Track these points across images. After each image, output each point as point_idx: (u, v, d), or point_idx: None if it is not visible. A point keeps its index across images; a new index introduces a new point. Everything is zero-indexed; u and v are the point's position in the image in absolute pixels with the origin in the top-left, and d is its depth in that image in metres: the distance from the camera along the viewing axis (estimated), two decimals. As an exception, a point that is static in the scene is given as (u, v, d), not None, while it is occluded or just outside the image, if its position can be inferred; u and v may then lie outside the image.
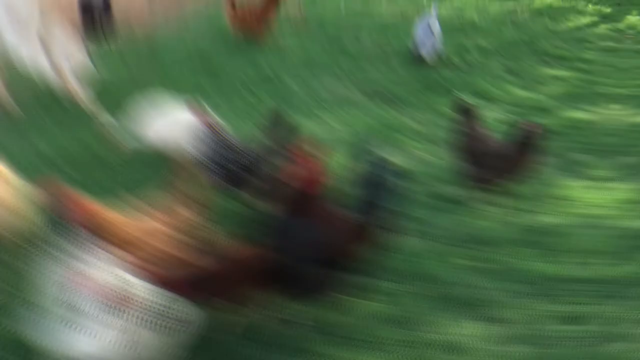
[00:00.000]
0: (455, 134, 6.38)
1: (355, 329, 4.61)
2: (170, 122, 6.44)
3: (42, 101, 8.58)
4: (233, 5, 10.25)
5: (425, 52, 10.06)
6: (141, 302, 3.76)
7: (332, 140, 7.31)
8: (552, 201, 6.39)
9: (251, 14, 10.36)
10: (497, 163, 6.08)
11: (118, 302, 3.70)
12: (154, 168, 6.54)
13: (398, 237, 5.55)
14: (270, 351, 4.39)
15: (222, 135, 5.79)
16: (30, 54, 7.78)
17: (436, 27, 10.18)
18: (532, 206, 6.25)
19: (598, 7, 14.34)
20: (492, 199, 6.21)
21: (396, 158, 6.95)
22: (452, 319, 4.75)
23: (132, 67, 9.71)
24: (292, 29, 11.79)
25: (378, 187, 4.59)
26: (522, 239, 5.72)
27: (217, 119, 5.93)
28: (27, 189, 5.34)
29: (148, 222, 4.61)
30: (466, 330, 4.63)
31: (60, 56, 8.04)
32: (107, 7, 10.19)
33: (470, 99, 8.46)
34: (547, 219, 6.04)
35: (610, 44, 11.85)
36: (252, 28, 10.43)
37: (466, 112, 6.39)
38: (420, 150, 7.31)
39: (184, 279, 4.19)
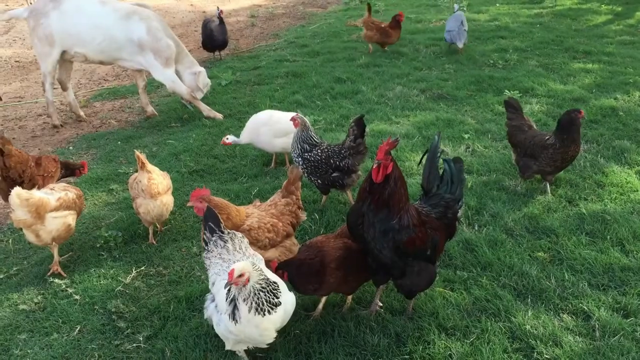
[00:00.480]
0: (507, 129, 5.55)
1: (442, 317, 3.79)
2: (272, 127, 5.78)
3: (172, 106, 8.05)
4: (372, 23, 9.88)
5: (459, 42, 9.49)
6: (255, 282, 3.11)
7: (404, 137, 6.47)
8: (605, 188, 5.36)
9: (384, 31, 9.93)
10: (547, 154, 5.13)
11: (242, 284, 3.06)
12: (252, 159, 6.14)
13: (472, 229, 4.77)
14: (384, 338, 3.62)
15: (314, 139, 5.04)
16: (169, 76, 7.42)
17: (464, 20, 9.67)
18: (584, 194, 5.25)
19: (610, 6, 12.98)
20: (548, 189, 5.25)
21: (461, 153, 6.09)
22: (528, 309, 3.86)
23: (240, 76, 8.99)
24: (362, 43, 10.89)
25: (453, 182, 3.81)
26: (583, 228, 4.74)
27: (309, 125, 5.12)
28: (168, 181, 4.92)
29: (253, 209, 4.02)
30: (541, 321, 3.74)
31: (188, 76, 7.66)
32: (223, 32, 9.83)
33: (515, 95, 7.52)
34: (598, 207, 5.04)
35: (627, 37, 10.54)
36: (383, 41, 10.00)
37: (514, 107, 5.56)
38: (479, 144, 6.34)
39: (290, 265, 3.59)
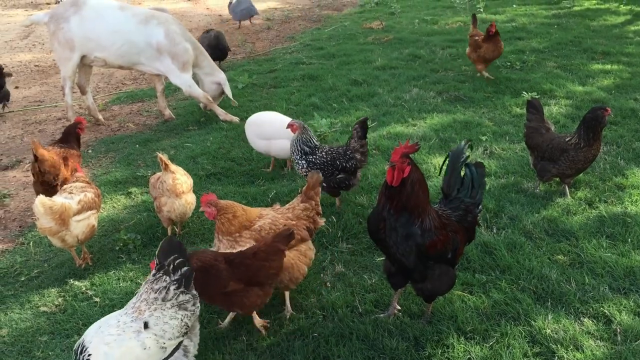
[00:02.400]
0: (524, 130, 5.48)
1: (461, 321, 3.78)
2: (257, 128, 5.94)
3: (189, 110, 8.13)
4: (476, 46, 8.21)
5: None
6: None
7: (421, 139, 6.45)
8: (625, 190, 5.30)
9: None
10: (567, 157, 5.07)
11: None
12: (269, 163, 6.10)
13: (491, 232, 4.74)
14: (402, 342, 3.61)
15: (313, 141, 5.07)
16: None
17: None
18: (604, 196, 5.20)
19: (629, 6, 12.84)
20: (567, 191, 5.20)
21: (479, 156, 6.06)
22: (548, 312, 3.83)
23: (256, 79, 9.03)
24: (377, 45, 10.88)
25: (474, 187, 3.79)
26: (603, 230, 4.70)
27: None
28: (190, 180, 4.97)
29: (269, 211, 4.05)
30: (562, 325, 3.70)
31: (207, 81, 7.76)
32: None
33: (533, 96, 7.46)
34: (618, 209, 4.99)
35: (647, 38, 10.42)
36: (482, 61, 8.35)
37: (536, 108, 5.48)
38: (497, 146, 6.30)
39: None
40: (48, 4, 17.07)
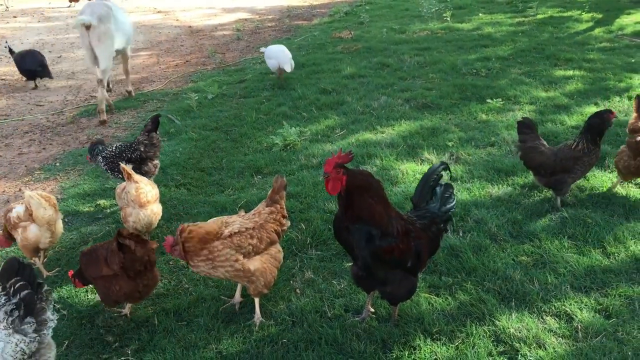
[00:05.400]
0: (519, 152, 5.39)
1: (427, 323, 3.85)
2: None
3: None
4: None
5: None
6: None
7: (389, 146, 6.55)
8: (586, 192, 5.47)
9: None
10: (582, 163, 5.10)
11: None
12: (239, 172, 6.08)
13: (456, 235, 4.83)
14: (370, 345, 3.67)
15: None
16: None
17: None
18: (574, 199, 5.35)
19: (591, 14, 13.19)
20: (559, 203, 5.26)
21: (445, 160, 6.17)
22: (512, 312, 3.92)
23: (226, 89, 9.05)
24: (346, 54, 11.00)
25: (439, 190, 3.87)
26: (565, 231, 4.83)
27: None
28: (156, 190, 5.04)
29: (235, 218, 4.06)
30: (525, 324, 3.80)
31: None
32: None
33: (497, 102, 7.66)
34: (580, 210, 5.13)
35: (607, 44, 10.71)
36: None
37: (529, 127, 5.39)
38: (463, 151, 6.42)
39: None
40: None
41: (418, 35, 12.26)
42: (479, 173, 5.90)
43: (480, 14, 13.99)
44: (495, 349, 3.62)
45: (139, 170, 5.53)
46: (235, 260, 3.79)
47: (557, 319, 3.86)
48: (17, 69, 10.31)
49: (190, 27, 15.31)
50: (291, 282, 4.40)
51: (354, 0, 17.94)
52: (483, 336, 3.71)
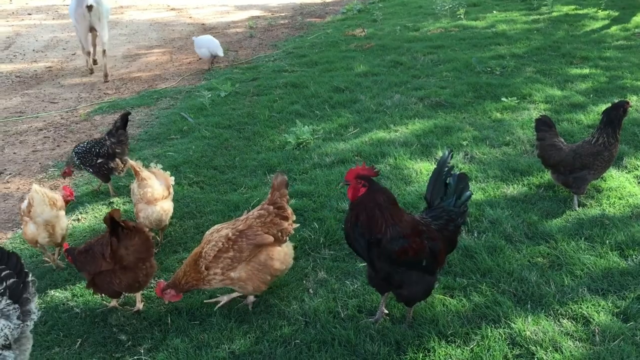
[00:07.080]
0: (538, 151, 5.36)
1: (442, 324, 3.80)
2: None
3: (172, 119, 8.07)
4: None
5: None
6: None
7: (403, 145, 6.50)
8: (603, 193, 5.39)
9: None
10: (603, 158, 5.07)
11: None
12: (252, 170, 6.09)
13: (471, 236, 4.78)
14: (384, 347, 3.63)
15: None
16: None
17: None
18: (583, 199, 5.27)
19: (607, 11, 13.01)
20: (554, 194, 5.23)
21: (460, 160, 6.12)
22: (528, 315, 3.87)
23: (239, 87, 9.03)
24: (360, 52, 10.94)
25: (458, 198, 3.78)
26: (582, 232, 4.77)
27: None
28: (168, 183, 5.08)
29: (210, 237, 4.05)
30: (541, 326, 3.75)
31: None
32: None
33: (512, 101, 7.57)
34: (597, 211, 5.06)
35: (623, 42, 10.57)
36: None
37: (548, 125, 5.35)
38: (478, 151, 6.36)
39: None
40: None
41: (432, 33, 12.16)
42: (493, 173, 5.84)
43: (494, 12, 13.85)
44: (511, 352, 3.57)
45: (106, 166, 5.81)
46: (215, 274, 3.90)
47: (573, 321, 3.80)
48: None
49: (203, 24, 15.29)
50: (304, 282, 4.37)
51: (367, -3, 17.85)
52: (498, 339, 3.66)
